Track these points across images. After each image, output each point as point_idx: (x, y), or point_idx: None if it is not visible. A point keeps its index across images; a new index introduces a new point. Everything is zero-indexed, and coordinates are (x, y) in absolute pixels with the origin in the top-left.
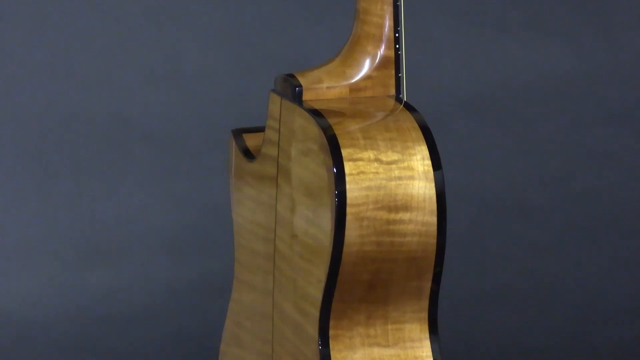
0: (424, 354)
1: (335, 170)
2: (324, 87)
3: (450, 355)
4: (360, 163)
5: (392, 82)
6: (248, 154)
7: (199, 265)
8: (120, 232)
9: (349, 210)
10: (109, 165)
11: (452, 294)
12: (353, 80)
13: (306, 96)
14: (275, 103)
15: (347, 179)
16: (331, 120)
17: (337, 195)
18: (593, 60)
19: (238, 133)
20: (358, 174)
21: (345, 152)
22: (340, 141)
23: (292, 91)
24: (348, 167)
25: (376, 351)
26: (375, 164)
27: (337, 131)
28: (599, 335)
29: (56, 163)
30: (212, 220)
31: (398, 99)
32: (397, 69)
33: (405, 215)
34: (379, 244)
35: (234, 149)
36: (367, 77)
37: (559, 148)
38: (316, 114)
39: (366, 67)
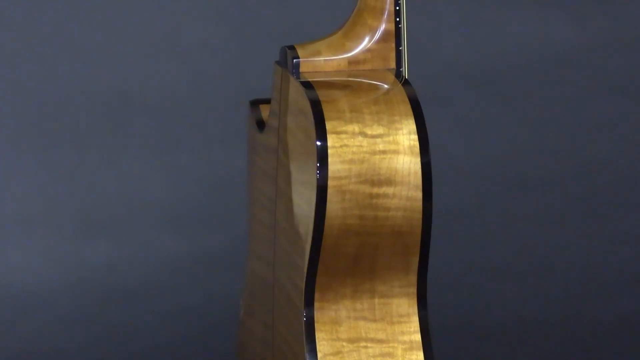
0: (412, 329)
1: (317, 143)
2: (322, 59)
3: (451, 328)
4: (344, 136)
5: (392, 55)
6: (260, 125)
7: (199, 238)
8: (121, 205)
9: (330, 183)
10: (109, 138)
11: (452, 267)
12: (352, 53)
13: (303, 68)
14: (277, 74)
15: (330, 151)
16: (320, 92)
17: (319, 168)
18: (594, 32)
19: (255, 104)
20: (341, 146)
21: (329, 125)
22: (326, 113)
23: (290, 62)
24: (331, 139)
25: (362, 324)
26: (360, 138)
27: (324, 103)
28: (600, 308)
29: (56, 135)
30: (213, 193)
31: (398, 72)
32: (398, 43)
33: (389, 190)
34: (361, 217)
35: (249, 120)
36: (366, 50)
37: (560, 120)
38: (307, 85)
39: (366, 40)
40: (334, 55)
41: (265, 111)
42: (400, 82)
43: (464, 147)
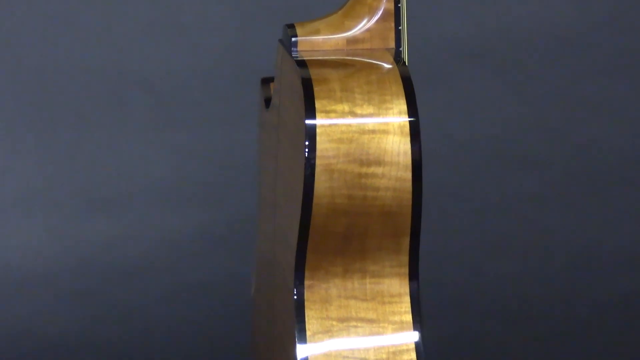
0: (402, 309)
1: (306, 122)
2: (320, 38)
3: (450, 306)
4: (333, 115)
5: (392, 35)
6: (268, 103)
7: (200, 216)
8: (121, 183)
9: (318, 162)
10: (109, 116)
11: (451, 245)
12: (351, 32)
13: (301, 46)
14: (279, 52)
15: (318, 130)
16: (312, 71)
17: (307, 147)
18: (595, 11)
19: (265, 82)
20: (330, 125)
21: (319, 104)
22: (316, 92)
23: (288, 41)
24: (320, 118)
25: (352, 304)
26: (349, 117)
27: (315, 82)
28: (599, 285)
29: (56, 114)
30: (214, 171)
31: (397, 52)
32: (397, 22)
33: (378, 170)
34: (350, 197)
35: (259, 98)
36: (366, 30)
37: (560, 99)
38: (300, 64)
39: (365, 19)
40: (333, 34)
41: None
42: (396, 62)
43: (464, 125)
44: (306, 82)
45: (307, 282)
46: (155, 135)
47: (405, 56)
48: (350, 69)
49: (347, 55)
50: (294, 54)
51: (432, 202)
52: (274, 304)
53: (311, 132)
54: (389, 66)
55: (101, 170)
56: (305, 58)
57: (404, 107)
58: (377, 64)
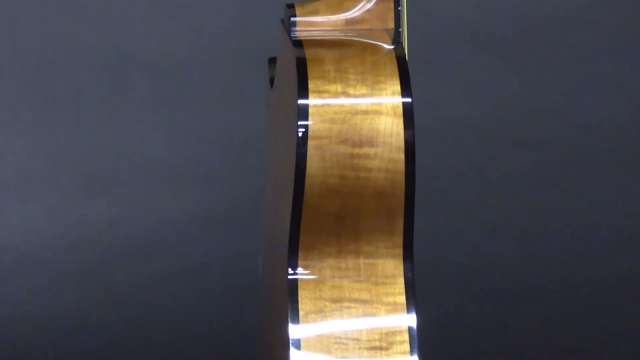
0: (396, 290)
1: (298, 101)
2: (319, 18)
3: (450, 286)
4: (326, 95)
5: (391, 15)
6: (272, 83)
7: (200, 197)
8: (121, 164)
9: (310, 142)
10: (108, 96)
11: (451, 225)
12: (350, 12)
13: (300, 26)
14: (280, 32)
15: (310, 110)
16: (308, 51)
17: (299, 127)
18: None
19: (272, 61)
20: (322, 106)
21: (312, 84)
22: (310, 72)
23: (288, 21)
24: (313, 98)
25: (346, 284)
26: (342, 97)
27: (310, 62)
28: (597, 265)
29: (56, 94)
30: (213, 151)
31: (397, 32)
32: (397, 3)
33: (371, 150)
34: (343, 177)
35: (267, 77)
36: (365, 10)
37: (559, 78)
38: (297, 44)
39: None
40: (332, 15)
41: None
42: (393, 43)
43: (463, 105)
44: (300, 61)
45: (300, 262)
46: (155, 115)
47: (405, 37)
48: (346, 49)
49: (346, 36)
50: (292, 34)
51: (431, 182)
52: (275, 285)
53: (303, 112)
54: (385, 47)
55: (101, 151)
56: (302, 38)
57: (398, 88)
58: (374, 44)
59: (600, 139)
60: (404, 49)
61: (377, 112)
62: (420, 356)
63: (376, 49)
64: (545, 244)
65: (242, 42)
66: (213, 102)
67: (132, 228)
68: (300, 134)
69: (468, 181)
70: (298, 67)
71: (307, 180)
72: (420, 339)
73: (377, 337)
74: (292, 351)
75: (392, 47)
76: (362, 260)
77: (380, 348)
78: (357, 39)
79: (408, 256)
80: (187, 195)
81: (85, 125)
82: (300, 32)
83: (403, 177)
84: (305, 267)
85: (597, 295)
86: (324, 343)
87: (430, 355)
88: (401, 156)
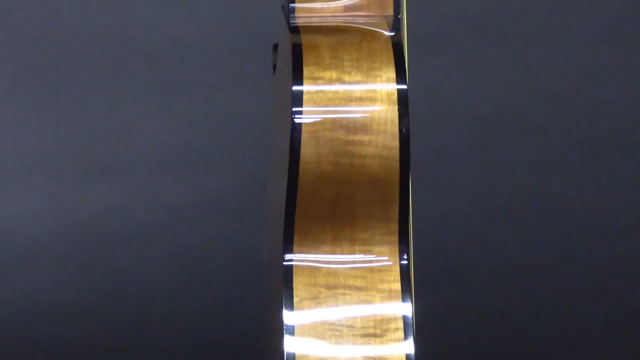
0: (392, 278)
1: (293, 88)
2: (318, 5)
3: (449, 271)
4: (321, 82)
5: (390, 2)
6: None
7: (199, 183)
8: (121, 150)
9: (304, 128)
10: (108, 82)
11: (451, 210)
12: None
13: (299, 12)
14: (281, 18)
15: (305, 97)
16: (304, 37)
17: (293, 113)
18: None
19: (277, 47)
20: (316, 92)
21: (307, 70)
22: (305, 59)
23: (286, 7)
24: (307, 85)
25: (341, 271)
26: (337, 84)
27: (305, 48)
28: (598, 252)
29: (56, 81)
30: (213, 137)
31: (396, 19)
32: None
33: (365, 137)
34: (337, 164)
35: (271, 63)
36: None
37: (559, 64)
38: (294, 30)
39: None
40: (331, 1)
41: None
42: (391, 30)
43: (463, 90)
44: (296, 48)
45: (296, 249)
46: (155, 103)
47: (404, 24)
48: (343, 35)
49: (344, 22)
50: (291, 20)
51: (431, 169)
52: (274, 271)
53: (298, 98)
54: (382, 33)
55: (101, 138)
56: (300, 24)
57: (393, 75)
58: (371, 31)
59: (600, 125)
60: (401, 36)
61: (372, 99)
62: (415, 343)
63: (373, 35)
64: (545, 230)
65: (243, 29)
66: (213, 89)
67: (133, 215)
68: (293, 120)
69: (468, 168)
70: (293, 53)
71: (302, 166)
72: (419, 325)
73: (371, 324)
74: (286, 337)
75: (389, 34)
76: (357, 248)
77: (375, 335)
78: (355, 25)
79: (403, 243)
80: (188, 182)
81: (85, 112)
82: (300, 19)
83: (398, 165)
84: (300, 254)
85: (596, 281)
86: (318, 330)
87: (430, 341)
88: (396, 143)
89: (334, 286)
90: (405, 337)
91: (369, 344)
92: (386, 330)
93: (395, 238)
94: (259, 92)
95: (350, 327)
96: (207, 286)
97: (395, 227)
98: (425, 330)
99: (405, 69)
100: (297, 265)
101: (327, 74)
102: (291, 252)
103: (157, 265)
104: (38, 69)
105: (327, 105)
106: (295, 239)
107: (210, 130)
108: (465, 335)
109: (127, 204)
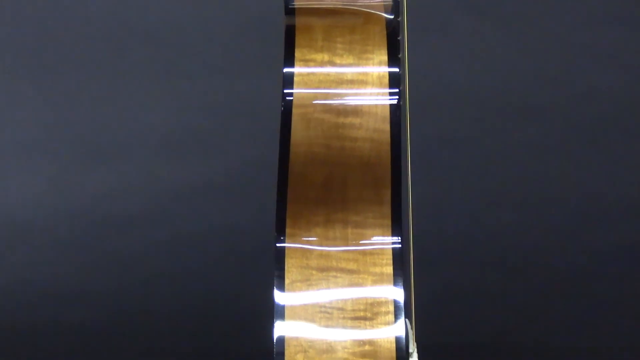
0: (384, 261)
1: (284, 70)
2: None
3: (450, 254)
4: (312, 64)
5: None
6: None
7: (199, 166)
8: (120, 133)
9: (295, 110)
10: (109, 66)
11: (451, 194)
12: None
13: None
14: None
15: (296, 78)
16: (299, 19)
17: (283, 95)
18: None
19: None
20: (308, 74)
21: (298, 52)
22: (298, 40)
23: None
24: (298, 67)
25: (333, 254)
26: (328, 67)
27: (299, 30)
28: (598, 235)
29: (56, 64)
30: (213, 120)
31: (395, 3)
32: None
33: (356, 120)
34: (328, 146)
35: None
36: None
37: (560, 47)
38: (289, 11)
39: None
40: None
41: None
42: (387, 13)
43: (464, 74)
44: (289, 29)
45: (288, 231)
46: (155, 85)
47: (404, 6)
48: (338, 18)
49: (342, 5)
50: (291, 2)
51: (431, 152)
52: None
53: (288, 80)
54: (379, 16)
55: (101, 120)
56: (298, 6)
57: (385, 58)
58: (368, 13)
59: (600, 107)
60: (397, 19)
61: (363, 82)
62: (406, 326)
63: (369, 18)
64: (545, 212)
65: (244, 12)
66: (214, 72)
67: (133, 197)
68: (284, 102)
69: (468, 151)
70: (286, 35)
71: (292, 149)
72: (419, 307)
73: (362, 307)
74: (277, 318)
75: (387, 16)
76: (350, 230)
77: (365, 318)
78: (352, 7)
79: (396, 227)
80: (188, 165)
81: (85, 95)
82: (298, 1)
83: (389, 148)
84: (293, 236)
85: (596, 263)
86: (309, 312)
87: (430, 323)
88: (386, 126)
89: (326, 268)
90: (396, 321)
91: (359, 327)
92: (376, 314)
93: (388, 221)
94: (260, 75)
95: (341, 309)
96: (208, 269)
97: (387, 210)
98: (425, 313)
99: (397, 51)
100: (289, 247)
101: (319, 56)
102: (283, 234)
103: (157, 248)
104: (38, 52)
105: (317, 88)
106: (288, 221)
107: (211, 113)
108: (465, 317)
109: (127, 186)
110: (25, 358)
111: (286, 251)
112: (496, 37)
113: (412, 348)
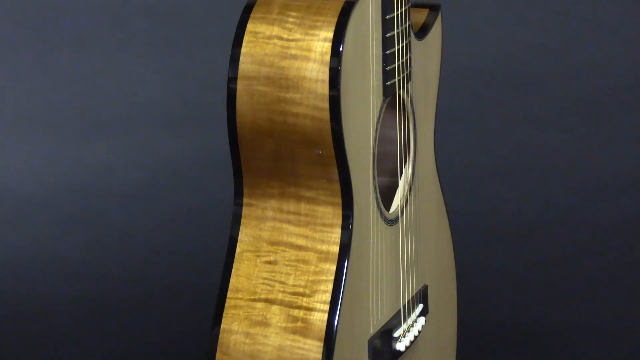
0: (332, 239)
1: (233, 42)
2: None
3: (450, 229)
4: (260, 37)
5: None
6: None
7: (199, 140)
8: (120, 107)
9: (240, 82)
10: (108, 39)
11: (451, 167)
12: None
13: None
14: None
15: (243, 50)
16: None
17: (230, 65)
18: None
19: None
20: (255, 47)
21: (250, 26)
22: (252, 14)
23: None
24: (246, 39)
25: (285, 227)
26: (275, 40)
27: (258, 4)
28: (599, 208)
29: (55, 38)
30: (213, 94)
31: None
32: None
33: (296, 96)
34: (271, 120)
35: None
36: None
37: (560, 20)
38: None
39: None
40: None
41: None
42: None
43: (465, 48)
44: (249, 2)
45: (245, 200)
46: (154, 59)
47: None
48: None
49: None
50: None
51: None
52: None
53: (236, 53)
54: None
55: (100, 95)
56: None
57: (330, 35)
58: None
59: (601, 81)
60: None
61: (306, 58)
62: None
63: None
64: (545, 186)
65: None
66: (212, 46)
67: (132, 172)
68: (229, 72)
69: (468, 124)
70: (245, 8)
71: (239, 120)
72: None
73: (303, 283)
74: (221, 284)
75: None
76: (303, 206)
77: (303, 295)
78: None
79: (347, 207)
80: (187, 139)
81: (85, 69)
82: None
83: (329, 127)
84: (249, 206)
85: (596, 236)
86: (252, 282)
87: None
88: (326, 105)
89: (276, 243)
90: (332, 300)
91: (295, 302)
92: (315, 292)
93: (339, 200)
94: None
95: (282, 283)
96: (206, 243)
97: (337, 187)
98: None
99: (345, 29)
100: (246, 216)
101: (268, 30)
102: (241, 201)
103: (157, 222)
104: (38, 26)
105: (262, 60)
106: (245, 190)
107: (209, 87)
108: (464, 291)
109: (126, 161)
110: (25, 332)
111: (242, 220)
112: (495, 8)
113: (400, 332)
